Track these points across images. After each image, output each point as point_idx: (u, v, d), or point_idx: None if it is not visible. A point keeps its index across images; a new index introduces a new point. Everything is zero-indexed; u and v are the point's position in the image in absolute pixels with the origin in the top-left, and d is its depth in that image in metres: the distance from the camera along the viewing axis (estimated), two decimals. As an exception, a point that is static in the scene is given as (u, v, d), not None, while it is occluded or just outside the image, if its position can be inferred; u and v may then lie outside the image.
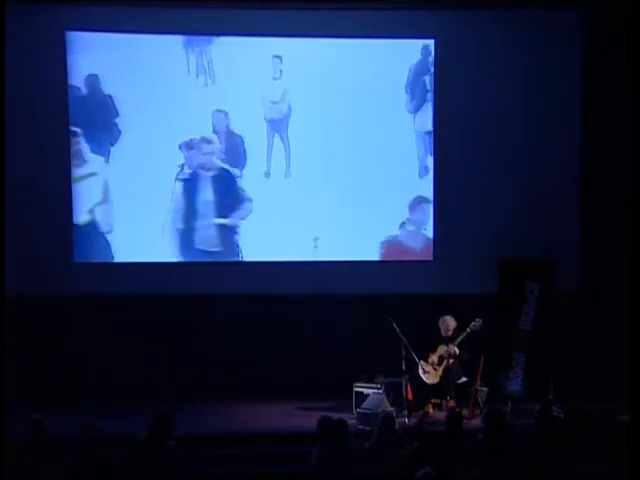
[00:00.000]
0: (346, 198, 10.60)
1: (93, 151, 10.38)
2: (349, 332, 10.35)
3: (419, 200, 10.72)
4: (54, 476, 6.54)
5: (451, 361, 9.46)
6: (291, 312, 10.40)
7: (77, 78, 10.27)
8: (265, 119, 10.56)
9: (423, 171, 10.70)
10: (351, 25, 10.37)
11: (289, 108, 10.58)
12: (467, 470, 6.43)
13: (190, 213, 10.54)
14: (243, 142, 10.54)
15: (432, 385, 9.44)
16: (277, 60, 10.50)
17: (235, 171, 10.55)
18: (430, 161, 10.65)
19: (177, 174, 10.48)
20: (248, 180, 10.57)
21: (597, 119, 10.51)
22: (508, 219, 10.58)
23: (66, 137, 10.27)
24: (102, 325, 10.31)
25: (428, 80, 10.59)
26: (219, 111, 10.47)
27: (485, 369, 9.42)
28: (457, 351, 9.43)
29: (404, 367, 9.27)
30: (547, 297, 9.74)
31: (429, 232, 10.72)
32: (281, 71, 10.53)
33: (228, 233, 10.60)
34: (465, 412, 8.91)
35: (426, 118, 10.64)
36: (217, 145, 10.53)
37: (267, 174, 10.58)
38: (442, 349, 9.51)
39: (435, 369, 9.47)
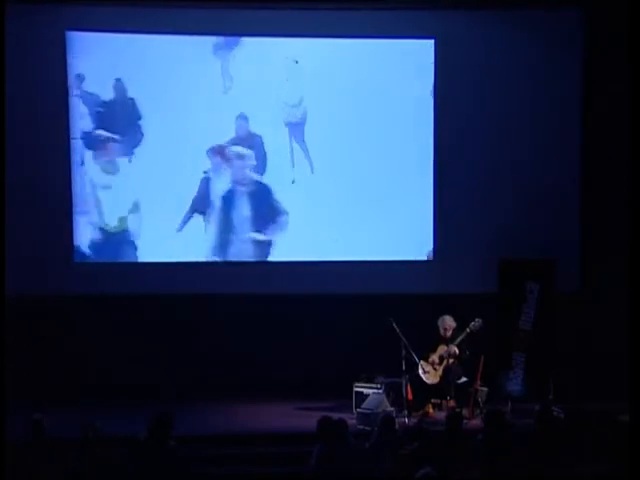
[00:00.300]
0: (364, 199, 10.61)
1: (120, 156, 10.41)
2: (349, 332, 10.35)
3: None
4: (54, 476, 6.54)
5: (451, 361, 9.46)
6: (291, 312, 10.40)
7: (100, 82, 10.29)
8: (284, 123, 10.58)
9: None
10: (351, 25, 10.37)
11: (306, 111, 10.57)
12: (467, 470, 6.43)
13: (226, 227, 10.57)
14: (263, 146, 10.56)
15: (432, 385, 9.44)
16: (294, 63, 10.49)
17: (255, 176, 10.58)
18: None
19: (205, 180, 10.49)
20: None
21: (597, 119, 10.51)
22: (508, 219, 10.58)
23: (66, 137, 10.26)
24: (102, 325, 10.31)
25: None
26: (240, 117, 10.48)
27: (485, 369, 9.42)
28: (457, 351, 9.44)
29: (404, 367, 9.27)
30: (547, 297, 9.73)
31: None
32: (297, 75, 10.52)
33: (264, 246, 10.64)
34: (465, 412, 8.91)
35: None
36: (252, 161, 10.53)
37: (293, 180, 10.63)
38: (442, 349, 9.51)
39: (435, 369, 9.47)
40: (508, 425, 7.05)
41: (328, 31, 10.43)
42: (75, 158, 10.34)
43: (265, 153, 10.56)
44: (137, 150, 10.41)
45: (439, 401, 9.53)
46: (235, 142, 10.51)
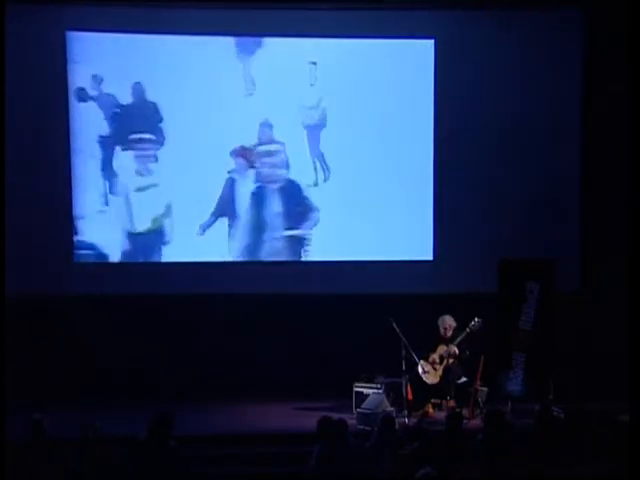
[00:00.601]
0: (364, 199, 10.62)
1: (155, 159, 10.43)
2: (349, 332, 10.34)
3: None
4: (54, 476, 6.54)
5: (451, 361, 9.46)
6: (291, 312, 10.40)
7: (118, 84, 10.30)
8: (303, 126, 10.58)
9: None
10: (351, 25, 10.37)
11: (324, 113, 10.58)
12: (467, 470, 6.42)
13: (257, 225, 10.60)
14: (285, 152, 10.58)
15: (432, 385, 9.44)
16: (313, 66, 10.49)
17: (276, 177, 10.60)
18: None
19: (229, 181, 10.52)
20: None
21: (597, 119, 10.51)
22: (508, 219, 10.59)
23: (66, 137, 10.27)
24: (102, 325, 10.31)
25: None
26: (264, 124, 10.49)
27: (485, 369, 9.42)
28: (457, 351, 9.43)
29: (404, 367, 9.27)
30: (547, 297, 9.72)
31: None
32: (316, 77, 10.52)
33: (297, 244, 10.66)
34: (465, 412, 8.91)
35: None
36: (282, 156, 10.56)
37: (315, 183, 10.65)
38: (442, 349, 9.51)
39: (435, 369, 9.47)
40: (508, 425, 7.05)
41: (328, 31, 10.43)
42: (90, 160, 10.37)
43: (288, 158, 10.59)
44: (159, 153, 10.42)
45: (439, 401, 9.53)
46: (258, 146, 10.53)
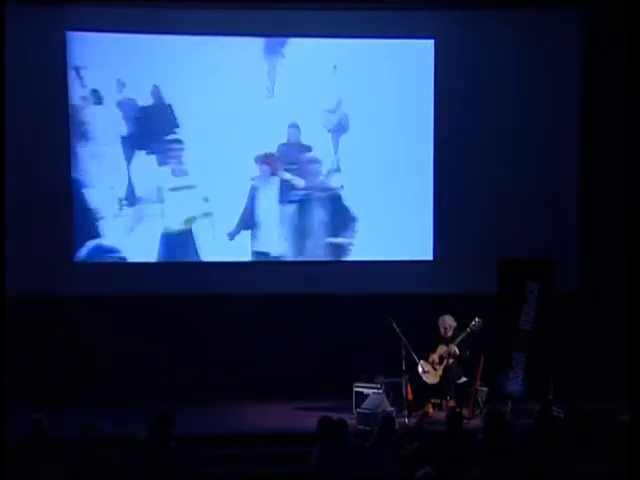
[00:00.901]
0: (364, 199, 10.63)
1: (179, 162, 10.45)
2: (349, 332, 10.34)
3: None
4: (54, 476, 6.54)
5: (451, 361, 9.46)
6: (291, 312, 10.40)
7: (141, 88, 10.31)
8: (327, 129, 10.59)
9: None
10: (351, 25, 10.37)
11: (345, 116, 10.58)
12: (467, 470, 6.42)
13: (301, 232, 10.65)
14: (311, 153, 10.58)
15: (432, 385, 9.44)
16: (333, 69, 10.50)
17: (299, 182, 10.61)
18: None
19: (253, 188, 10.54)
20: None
21: (597, 119, 10.51)
22: (508, 219, 10.59)
23: (66, 137, 10.27)
24: (102, 325, 10.31)
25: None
26: (292, 126, 10.51)
27: (485, 369, 9.42)
28: (457, 351, 9.43)
29: (404, 367, 9.27)
30: (547, 297, 9.72)
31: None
32: (336, 80, 10.53)
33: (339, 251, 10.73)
34: (465, 412, 8.91)
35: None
36: (326, 165, 10.59)
37: (342, 185, 10.67)
38: (442, 349, 9.51)
39: (435, 369, 9.47)
40: (508, 425, 7.04)
41: (327, 31, 10.42)
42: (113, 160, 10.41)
43: (314, 162, 10.61)
44: (183, 155, 10.45)
45: (439, 401, 9.53)
46: (285, 150, 10.54)
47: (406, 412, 9.14)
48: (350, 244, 10.69)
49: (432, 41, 10.53)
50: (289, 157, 10.57)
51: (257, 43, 10.45)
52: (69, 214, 10.35)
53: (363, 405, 9.14)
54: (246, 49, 10.42)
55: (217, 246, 10.54)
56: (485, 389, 9.57)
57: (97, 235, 10.44)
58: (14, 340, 8.94)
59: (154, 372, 10.10)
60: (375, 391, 9.39)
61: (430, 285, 10.49)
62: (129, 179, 10.40)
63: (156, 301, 10.33)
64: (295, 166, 10.58)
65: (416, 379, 9.39)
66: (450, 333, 9.57)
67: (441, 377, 9.44)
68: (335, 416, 7.20)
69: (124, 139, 10.37)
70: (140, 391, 9.71)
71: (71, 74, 10.23)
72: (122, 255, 10.48)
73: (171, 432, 6.76)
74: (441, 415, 8.84)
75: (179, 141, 10.42)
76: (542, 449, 6.71)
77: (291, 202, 10.60)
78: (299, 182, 10.60)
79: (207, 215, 10.49)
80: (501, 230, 10.55)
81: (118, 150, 10.36)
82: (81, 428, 6.84)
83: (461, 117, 10.55)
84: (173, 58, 10.30)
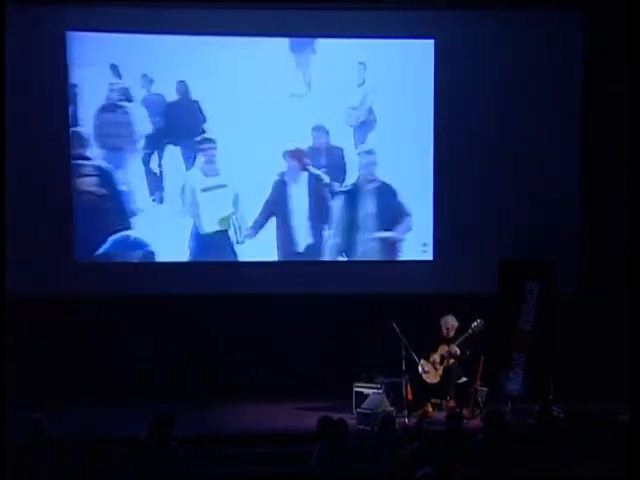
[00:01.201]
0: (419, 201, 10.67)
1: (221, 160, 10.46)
2: (349, 332, 10.34)
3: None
4: (54, 476, 6.53)
5: (451, 361, 9.46)
6: (291, 312, 10.40)
7: (165, 84, 10.33)
8: (350, 126, 10.59)
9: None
10: (350, 25, 10.37)
11: (369, 113, 10.58)
12: (467, 470, 6.42)
13: (351, 226, 10.63)
14: (343, 154, 10.60)
15: (432, 385, 9.44)
16: (361, 67, 10.50)
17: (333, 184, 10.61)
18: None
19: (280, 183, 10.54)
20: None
21: (597, 119, 10.50)
22: (508, 219, 10.59)
23: (66, 137, 10.27)
24: (102, 325, 10.31)
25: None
26: (318, 127, 10.51)
27: (485, 369, 9.42)
28: (458, 351, 9.44)
29: (404, 367, 9.27)
30: (547, 297, 9.73)
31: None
32: (364, 78, 10.53)
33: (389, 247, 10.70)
34: (465, 412, 8.91)
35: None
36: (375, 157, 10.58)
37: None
38: (443, 349, 9.51)
39: (436, 369, 9.47)
40: (508, 425, 7.04)
41: (327, 31, 10.43)
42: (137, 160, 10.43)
43: (345, 163, 10.61)
44: (214, 153, 10.45)
45: (439, 401, 9.54)
46: (313, 151, 10.55)
47: (406, 412, 9.14)
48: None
49: (432, 41, 10.53)
50: (317, 155, 10.58)
51: (283, 42, 10.47)
52: (69, 214, 10.34)
53: (363, 405, 9.14)
54: (272, 48, 10.44)
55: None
56: (485, 389, 9.58)
57: (122, 230, 10.43)
58: (14, 340, 8.95)
59: (154, 372, 10.09)
60: (375, 391, 9.39)
61: (430, 285, 10.49)
62: (159, 177, 10.45)
63: (156, 301, 10.32)
64: (323, 162, 10.59)
65: (416, 379, 9.39)
66: (452, 333, 9.57)
67: (441, 377, 9.45)
68: (335, 416, 7.18)
69: (150, 136, 10.38)
70: (140, 391, 9.71)
71: (102, 71, 10.22)
72: (150, 250, 10.47)
73: (171, 432, 6.76)
74: (441, 415, 8.83)
75: (209, 140, 10.42)
76: (542, 449, 6.70)
77: (319, 198, 10.58)
78: (326, 178, 10.60)
79: (234, 214, 10.51)
80: (501, 230, 10.55)
81: (145, 148, 10.40)
82: (81, 429, 6.84)
83: (461, 117, 10.54)
84: (199, 58, 10.31)
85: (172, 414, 6.83)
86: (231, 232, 10.51)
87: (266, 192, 10.51)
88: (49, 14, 10.11)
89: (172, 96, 10.39)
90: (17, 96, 9.79)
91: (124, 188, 10.39)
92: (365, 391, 9.47)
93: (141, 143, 10.40)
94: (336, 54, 10.49)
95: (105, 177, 10.41)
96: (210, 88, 10.35)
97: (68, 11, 10.13)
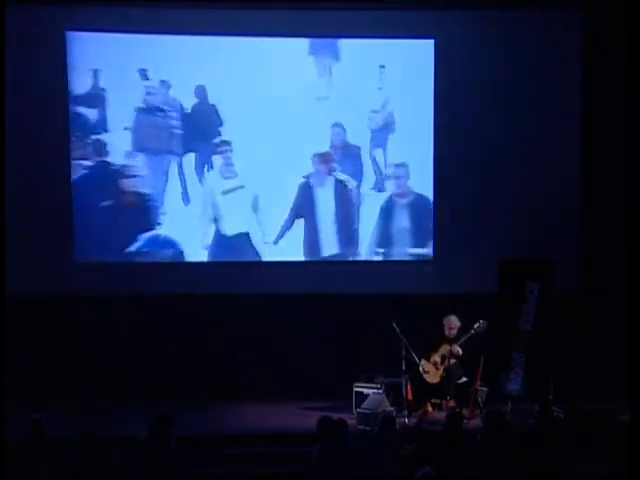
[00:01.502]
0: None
1: (240, 162, 10.47)
2: (349, 332, 10.34)
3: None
4: (54, 476, 6.54)
5: (452, 361, 9.45)
6: (291, 312, 10.40)
7: (186, 88, 10.33)
8: (369, 129, 10.59)
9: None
10: (350, 25, 10.38)
11: (390, 116, 10.59)
12: (467, 470, 6.42)
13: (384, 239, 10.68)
14: (360, 155, 10.59)
15: (432, 385, 9.44)
16: (382, 69, 10.51)
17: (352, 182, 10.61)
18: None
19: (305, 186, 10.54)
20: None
21: (597, 119, 10.50)
22: (508, 219, 10.59)
23: (66, 137, 10.27)
24: (102, 325, 10.31)
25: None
26: (336, 125, 10.51)
27: (485, 369, 9.42)
28: (460, 351, 9.43)
29: (404, 367, 9.27)
30: (547, 297, 9.72)
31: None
32: (384, 81, 10.53)
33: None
34: (465, 412, 8.91)
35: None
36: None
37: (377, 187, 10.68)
38: (445, 348, 9.51)
39: (437, 368, 9.47)
40: (508, 425, 7.04)
41: (326, 31, 10.43)
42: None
43: (362, 163, 10.62)
44: (233, 156, 10.46)
45: (439, 401, 9.53)
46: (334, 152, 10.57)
47: (406, 412, 9.14)
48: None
49: (432, 41, 10.52)
50: (340, 158, 10.60)
51: (302, 43, 10.48)
52: (69, 214, 10.33)
53: (363, 405, 9.13)
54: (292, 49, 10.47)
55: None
56: (485, 389, 9.57)
57: (152, 229, 10.47)
58: (14, 340, 8.95)
59: (154, 372, 10.09)
60: (375, 391, 9.38)
61: (430, 285, 10.49)
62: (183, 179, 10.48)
63: (156, 301, 10.32)
64: (347, 167, 10.61)
65: (416, 379, 9.38)
66: (455, 333, 9.57)
67: (442, 377, 9.44)
68: (335, 416, 7.19)
69: (172, 139, 10.40)
70: (140, 391, 9.71)
71: (132, 74, 10.23)
72: (180, 249, 10.49)
73: (171, 432, 6.76)
74: (441, 415, 8.83)
75: (226, 142, 10.43)
76: (542, 449, 6.70)
77: (344, 202, 10.60)
78: (352, 183, 10.60)
79: (254, 216, 10.53)
80: (501, 230, 10.55)
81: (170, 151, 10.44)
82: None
83: (461, 117, 10.54)
84: (218, 58, 10.32)
85: (172, 414, 6.83)
86: (252, 234, 10.53)
87: (287, 194, 10.50)
88: (49, 14, 10.11)
89: (188, 99, 10.39)
90: (17, 96, 9.80)
91: (149, 190, 10.42)
92: (365, 391, 9.47)
93: (167, 145, 10.42)
94: (355, 56, 10.52)
95: (129, 179, 10.42)
96: (228, 90, 10.35)
97: (68, 11, 10.13)
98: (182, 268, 10.51)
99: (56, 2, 10.10)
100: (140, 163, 10.38)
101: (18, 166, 9.78)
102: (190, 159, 10.45)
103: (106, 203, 10.36)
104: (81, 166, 10.35)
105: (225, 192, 10.45)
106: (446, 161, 10.59)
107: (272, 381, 10.17)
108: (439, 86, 10.55)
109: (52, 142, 10.23)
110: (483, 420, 7.53)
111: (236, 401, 9.94)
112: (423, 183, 10.67)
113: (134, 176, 10.37)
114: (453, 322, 9.59)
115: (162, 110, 10.37)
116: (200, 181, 10.47)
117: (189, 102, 10.40)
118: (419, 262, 10.71)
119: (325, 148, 10.51)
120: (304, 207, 10.55)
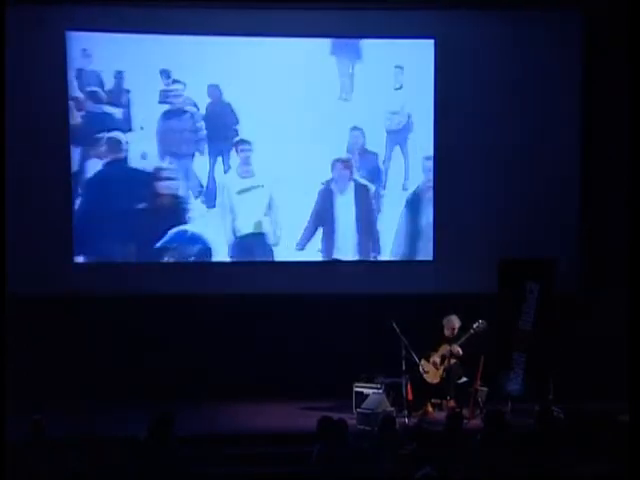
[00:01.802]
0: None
1: (259, 162, 10.48)
2: (349, 332, 10.34)
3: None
4: (54, 476, 6.54)
5: (452, 361, 9.45)
6: (291, 312, 10.40)
7: (200, 89, 10.34)
8: (386, 130, 10.59)
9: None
10: (350, 25, 10.38)
11: (408, 118, 10.59)
12: (467, 470, 6.42)
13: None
14: (377, 158, 10.60)
15: (432, 385, 9.44)
16: (399, 70, 10.51)
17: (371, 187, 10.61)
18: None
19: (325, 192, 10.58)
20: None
21: (597, 119, 10.50)
22: (508, 219, 10.59)
23: (66, 137, 10.27)
24: (102, 325, 10.31)
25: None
26: (355, 128, 10.52)
27: (485, 369, 9.42)
28: (460, 351, 9.43)
29: (404, 367, 9.27)
30: (547, 297, 9.72)
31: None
32: (402, 82, 10.54)
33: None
34: (465, 412, 8.91)
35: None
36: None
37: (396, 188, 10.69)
38: (445, 348, 9.51)
39: (437, 368, 9.47)
40: (508, 425, 7.04)
41: (327, 31, 10.43)
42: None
43: (378, 166, 10.62)
44: (252, 156, 10.48)
45: (439, 401, 9.53)
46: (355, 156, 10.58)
47: (406, 412, 9.14)
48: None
49: (432, 41, 10.53)
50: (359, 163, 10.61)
51: (324, 43, 10.49)
52: (69, 214, 10.33)
53: (363, 405, 9.14)
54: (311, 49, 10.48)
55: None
56: (485, 389, 9.57)
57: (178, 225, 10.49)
58: (14, 340, 8.95)
59: (154, 372, 10.09)
60: (375, 391, 9.38)
61: (430, 285, 10.49)
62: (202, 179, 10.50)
63: (156, 301, 10.32)
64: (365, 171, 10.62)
65: (417, 378, 9.38)
66: (454, 333, 9.57)
67: (442, 377, 9.44)
68: (335, 416, 7.19)
69: (192, 139, 10.43)
70: (140, 391, 9.71)
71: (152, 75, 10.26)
72: (208, 246, 10.52)
73: (171, 432, 6.76)
74: (441, 415, 8.85)
75: (245, 141, 10.43)
76: (542, 449, 6.70)
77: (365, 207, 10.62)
78: (372, 187, 10.61)
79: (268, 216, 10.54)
80: (501, 230, 10.55)
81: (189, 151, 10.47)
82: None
83: (461, 117, 10.55)
84: (231, 58, 10.34)
85: (172, 414, 6.83)
86: (267, 234, 10.55)
87: (303, 195, 10.50)
88: (49, 14, 10.11)
89: (202, 99, 10.39)
90: (17, 96, 9.79)
91: (176, 192, 10.46)
92: (365, 391, 9.47)
93: (186, 146, 10.44)
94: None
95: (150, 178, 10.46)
96: (243, 90, 10.35)
97: (68, 11, 10.13)
98: (183, 268, 10.51)
99: (56, 2, 10.10)
100: (166, 164, 10.43)
101: (18, 166, 9.79)
102: (206, 159, 10.45)
103: (131, 204, 10.40)
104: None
105: (241, 191, 10.46)
106: (446, 161, 10.59)
107: (272, 381, 10.17)
108: (439, 86, 10.55)
109: (52, 142, 10.22)
110: (483, 420, 7.54)
111: (236, 401, 9.94)
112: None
113: (151, 175, 10.43)
114: (453, 322, 9.59)
115: (184, 111, 10.39)
116: (215, 180, 10.46)
117: (203, 102, 10.39)
118: (419, 262, 10.71)
119: (343, 149, 10.53)
120: (325, 213, 10.56)
